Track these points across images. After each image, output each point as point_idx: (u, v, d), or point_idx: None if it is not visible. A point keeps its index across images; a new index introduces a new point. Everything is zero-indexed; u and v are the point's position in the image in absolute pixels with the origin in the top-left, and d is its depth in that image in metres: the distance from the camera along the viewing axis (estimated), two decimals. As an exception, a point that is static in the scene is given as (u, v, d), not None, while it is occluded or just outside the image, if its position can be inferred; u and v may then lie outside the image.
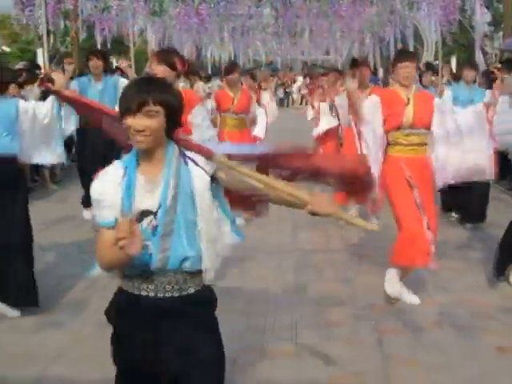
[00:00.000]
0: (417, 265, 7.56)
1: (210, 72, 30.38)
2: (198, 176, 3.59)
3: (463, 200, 11.24)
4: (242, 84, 13.48)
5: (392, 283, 7.57)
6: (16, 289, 7.60)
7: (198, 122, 8.03)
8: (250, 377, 5.93)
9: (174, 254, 3.56)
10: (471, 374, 5.90)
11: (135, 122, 3.37)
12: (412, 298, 7.57)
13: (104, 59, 11.45)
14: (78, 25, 20.32)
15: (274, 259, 9.52)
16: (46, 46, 16.41)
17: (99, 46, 20.35)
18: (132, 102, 3.37)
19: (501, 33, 49.36)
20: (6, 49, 57.03)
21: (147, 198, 3.53)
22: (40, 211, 11.60)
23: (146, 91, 3.40)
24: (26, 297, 7.68)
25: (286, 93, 48.02)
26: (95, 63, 11.43)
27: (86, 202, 11.73)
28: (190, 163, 3.63)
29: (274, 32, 25.44)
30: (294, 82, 43.96)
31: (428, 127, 7.69)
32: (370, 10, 20.62)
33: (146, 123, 3.38)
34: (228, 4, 19.06)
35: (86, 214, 11.93)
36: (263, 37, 27.82)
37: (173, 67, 7.15)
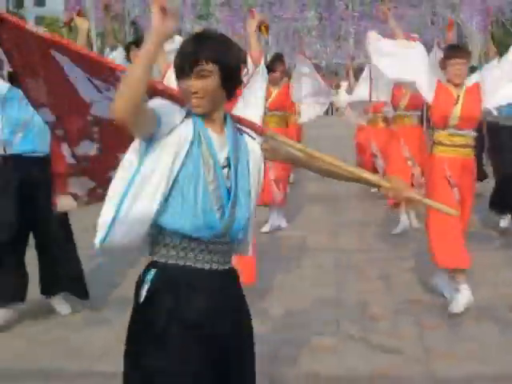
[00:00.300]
0: (462, 265, 7.33)
1: (253, 74, 30.44)
2: (254, 149, 3.41)
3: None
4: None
5: (445, 287, 7.52)
6: (68, 279, 7.68)
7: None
8: (290, 370, 5.96)
9: (238, 221, 3.29)
10: (509, 369, 5.95)
11: (188, 83, 3.06)
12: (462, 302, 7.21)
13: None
14: (125, 28, 20.57)
15: (316, 258, 9.59)
16: (95, 49, 16.59)
17: None
18: (184, 61, 3.07)
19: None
20: None
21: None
22: (82, 211, 11.74)
23: (198, 49, 3.06)
24: (77, 288, 7.78)
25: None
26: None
27: None
28: (245, 136, 3.42)
29: (319, 35, 25.47)
30: (339, 87, 42.58)
31: (475, 127, 7.61)
32: (412, 12, 20.60)
33: (199, 85, 3.05)
34: (273, 7, 19.14)
35: None
36: (308, 40, 27.90)
37: None
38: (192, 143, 3.11)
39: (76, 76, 3.89)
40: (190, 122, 3.11)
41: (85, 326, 7.34)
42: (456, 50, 7.66)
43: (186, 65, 3.03)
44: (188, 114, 3.13)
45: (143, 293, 3.22)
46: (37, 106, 4.16)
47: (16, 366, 6.40)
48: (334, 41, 27.34)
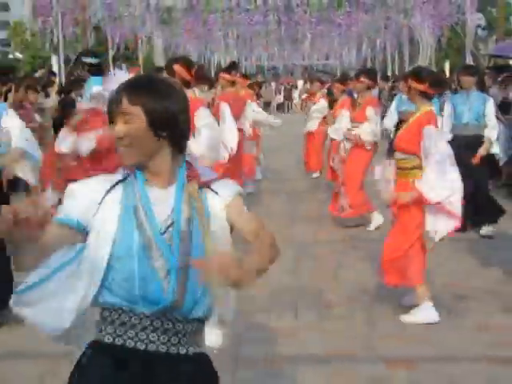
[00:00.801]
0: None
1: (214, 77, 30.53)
2: (213, 205, 2.87)
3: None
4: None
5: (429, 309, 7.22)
6: None
7: (202, 123, 7.64)
8: (254, 352, 6.20)
9: (191, 291, 2.77)
10: (450, 349, 6.32)
11: (113, 129, 2.76)
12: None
13: None
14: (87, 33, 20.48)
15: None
16: (62, 53, 16.63)
17: (110, 52, 20.57)
18: (110, 106, 2.77)
19: (495, 37, 49.81)
20: (19, 55, 57.74)
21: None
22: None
23: (122, 92, 2.73)
24: None
25: (285, 98, 47.12)
26: None
27: None
28: (207, 190, 2.90)
29: (277, 38, 25.68)
30: (296, 87, 43.11)
31: (411, 153, 7.22)
32: (366, 17, 20.95)
33: (122, 129, 2.71)
34: (233, 13, 19.33)
35: None
36: (266, 43, 28.15)
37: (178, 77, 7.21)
38: (122, 214, 2.78)
39: None
40: (120, 188, 2.80)
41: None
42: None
43: (111, 109, 2.74)
44: (123, 179, 2.82)
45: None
46: None
47: None
48: (291, 43, 27.60)
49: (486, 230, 10.60)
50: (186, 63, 7.84)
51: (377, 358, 6.28)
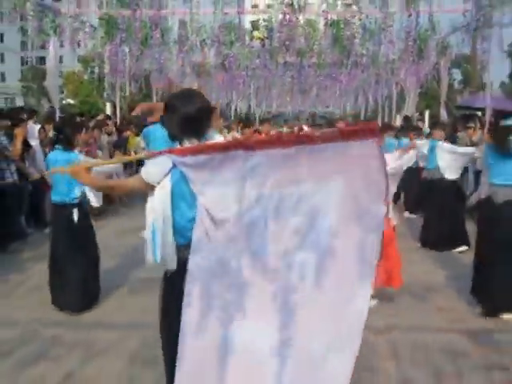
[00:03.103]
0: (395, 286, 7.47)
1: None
2: None
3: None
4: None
5: None
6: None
7: None
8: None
9: None
10: (417, 321, 6.92)
11: None
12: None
13: None
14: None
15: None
16: (117, 99, 16.90)
17: (154, 98, 20.58)
18: None
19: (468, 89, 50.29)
20: (71, 101, 57.88)
21: None
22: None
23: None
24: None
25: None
26: None
27: None
28: None
29: (289, 89, 25.80)
30: (302, 130, 41.83)
31: None
32: (361, 74, 21.49)
33: None
34: (257, 70, 19.63)
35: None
36: (279, 92, 28.49)
37: None
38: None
39: None
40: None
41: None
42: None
43: None
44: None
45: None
46: None
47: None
48: (300, 94, 27.83)
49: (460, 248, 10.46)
50: None
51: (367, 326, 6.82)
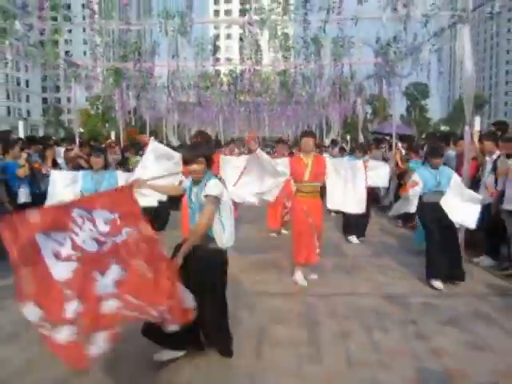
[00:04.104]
0: (311, 262, 7.20)
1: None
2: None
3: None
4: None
5: (298, 275, 7.21)
6: None
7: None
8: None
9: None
10: (353, 287, 6.88)
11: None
12: (304, 282, 7.13)
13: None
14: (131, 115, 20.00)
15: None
16: (121, 128, 16.60)
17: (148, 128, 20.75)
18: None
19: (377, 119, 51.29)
20: (81, 130, 57.35)
21: None
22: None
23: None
24: None
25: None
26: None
27: None
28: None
29: (247, 120, 25.90)
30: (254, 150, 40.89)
31: (320, 180, 7.02)
32: (301, 110, 21.71)
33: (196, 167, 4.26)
34: (224, 106, 19.65)
35: None
36: (240, 122, 28.39)
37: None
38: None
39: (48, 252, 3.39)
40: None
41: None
42: (307, 133, 7.21)
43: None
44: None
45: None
46: (22, 301, 3.30)
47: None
48: (256, 123, 27.88)
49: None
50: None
51: (311, 293, 6.65)
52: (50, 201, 6.75)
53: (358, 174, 7.25)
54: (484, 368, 4.55)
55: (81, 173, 6.92)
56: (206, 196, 4.20)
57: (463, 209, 6.98)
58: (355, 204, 7.25)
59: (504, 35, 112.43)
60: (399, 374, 4.43)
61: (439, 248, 6.91)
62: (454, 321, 5.73)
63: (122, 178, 6.63)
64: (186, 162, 4.24)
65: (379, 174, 8.07)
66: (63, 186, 6.88)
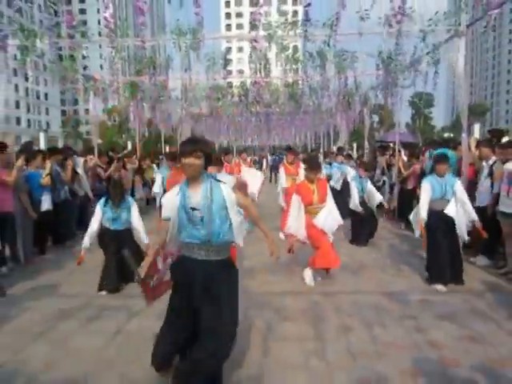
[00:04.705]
0: (334, 266, 7.30)
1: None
2: (228, 192, 3.73)
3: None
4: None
5: (308, 274, 7.33)
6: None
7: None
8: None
9: (215, 232, 3.65)
10: (356, 285, 7.04)
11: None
12: (312, 282, 7.27)
13: None
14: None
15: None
16: (138, 139, 16.94)
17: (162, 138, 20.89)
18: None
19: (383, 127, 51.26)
20: (99, 141, 57.46)
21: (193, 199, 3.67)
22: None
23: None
24: None
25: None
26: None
27: None
28: (222, 185, 3.75)
29: (258, 130, 25.98)
30: (265, 158, 40.37)
31: (325, 201, 7.28)
32: (309, 119, 21.85)
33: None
34: (235, 116, 19.88)
35: None
36: (250, 132, 28.60)
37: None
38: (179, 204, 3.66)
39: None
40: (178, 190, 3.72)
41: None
42: (312, 164, 7.42)
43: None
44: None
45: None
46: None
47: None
48: (266, 133, 27.87)
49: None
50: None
51: (317, 292, 6.80)
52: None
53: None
54: (478, 357, 4.70)
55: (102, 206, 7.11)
56: (237, 198, 3.78)
57: (461, 220, 7.10)
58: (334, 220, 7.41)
59: (505, 46, 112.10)
60: (397, 364, 4.59)
61: (442, 254, 7.06)
62: (451, 316, 5.87)
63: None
64: (182, 153, 3.62)
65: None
66: None
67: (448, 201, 7.05)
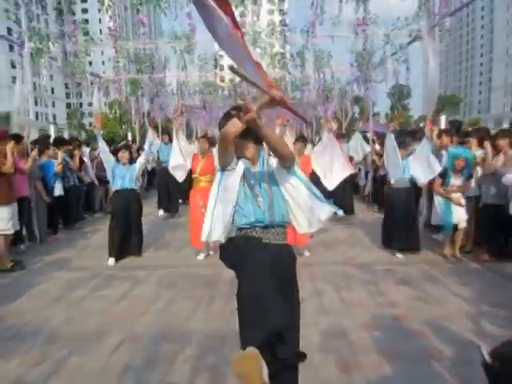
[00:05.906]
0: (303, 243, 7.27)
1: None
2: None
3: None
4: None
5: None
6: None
7: None
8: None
9: (278, 214, 2.94)
10: (325, 259, 7.44)
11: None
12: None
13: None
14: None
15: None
16: (137, 130, 17.19)
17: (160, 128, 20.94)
18: None
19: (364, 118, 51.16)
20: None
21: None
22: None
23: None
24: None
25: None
26: None
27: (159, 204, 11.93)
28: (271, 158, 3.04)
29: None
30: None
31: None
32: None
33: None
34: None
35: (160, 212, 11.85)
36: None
37: None
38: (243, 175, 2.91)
39: None
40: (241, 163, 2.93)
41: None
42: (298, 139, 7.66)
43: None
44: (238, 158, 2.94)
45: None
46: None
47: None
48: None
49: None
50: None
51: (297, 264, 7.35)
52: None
53: (330, 144, 8.09)
54: (426, 314, 5.16)
55: (114, 164, 7.59)
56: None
57: (423, 167, 7.40)
58: (341, 169, 7.94)
59: (478, 41, 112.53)
60: (358, 320, 5.03)
61: (398, 225, 7.52)
62: (409, 282, 6.31)
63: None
64: (242, 135, 2.82)
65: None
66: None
67: (407, 179, 7.51)
